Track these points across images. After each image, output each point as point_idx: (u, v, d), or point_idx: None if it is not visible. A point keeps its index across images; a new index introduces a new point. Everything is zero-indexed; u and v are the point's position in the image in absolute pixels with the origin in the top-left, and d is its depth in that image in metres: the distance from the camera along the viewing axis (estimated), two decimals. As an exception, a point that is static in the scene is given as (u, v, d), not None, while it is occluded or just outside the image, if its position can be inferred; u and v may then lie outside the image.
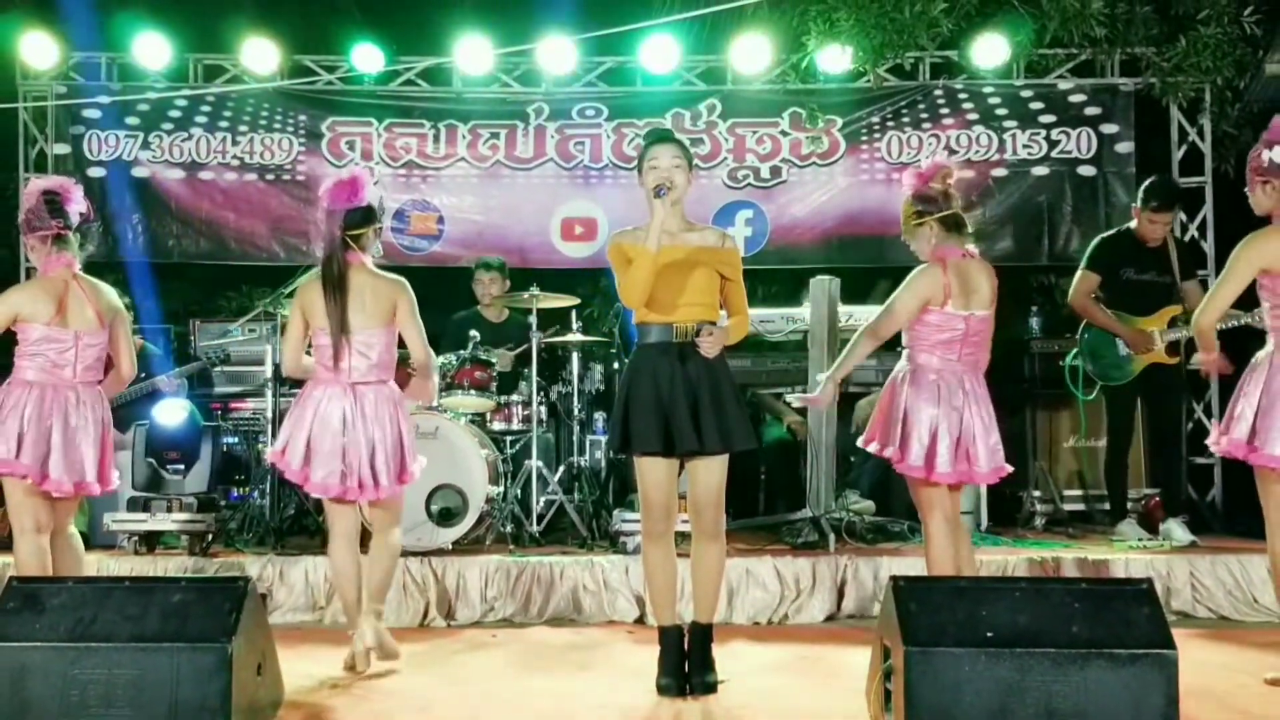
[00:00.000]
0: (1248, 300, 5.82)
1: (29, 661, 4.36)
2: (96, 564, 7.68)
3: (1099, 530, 8.84)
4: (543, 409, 9.01)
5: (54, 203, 6.19)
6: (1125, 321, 8.27)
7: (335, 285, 5.99)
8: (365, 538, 6.27)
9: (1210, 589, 7.54)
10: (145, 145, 10.97)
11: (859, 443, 6.28)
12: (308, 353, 6.17)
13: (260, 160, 11.06)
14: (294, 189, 11.01)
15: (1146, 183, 8.51)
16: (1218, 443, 5.74)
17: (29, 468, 5.95)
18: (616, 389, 5.86)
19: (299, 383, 8.19)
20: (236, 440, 10.03)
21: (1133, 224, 8.42)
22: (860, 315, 8.70)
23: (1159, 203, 8.26)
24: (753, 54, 10.66)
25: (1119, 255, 8.37)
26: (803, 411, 8.75)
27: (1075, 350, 8.81)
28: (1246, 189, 5.75)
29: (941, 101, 11.03)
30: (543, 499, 8.76)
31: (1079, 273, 8.54)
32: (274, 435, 8.80)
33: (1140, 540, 8.38)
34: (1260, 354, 5.64)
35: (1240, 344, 6.46)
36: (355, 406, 6.01)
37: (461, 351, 8.69)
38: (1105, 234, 8.83)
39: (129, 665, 4.34)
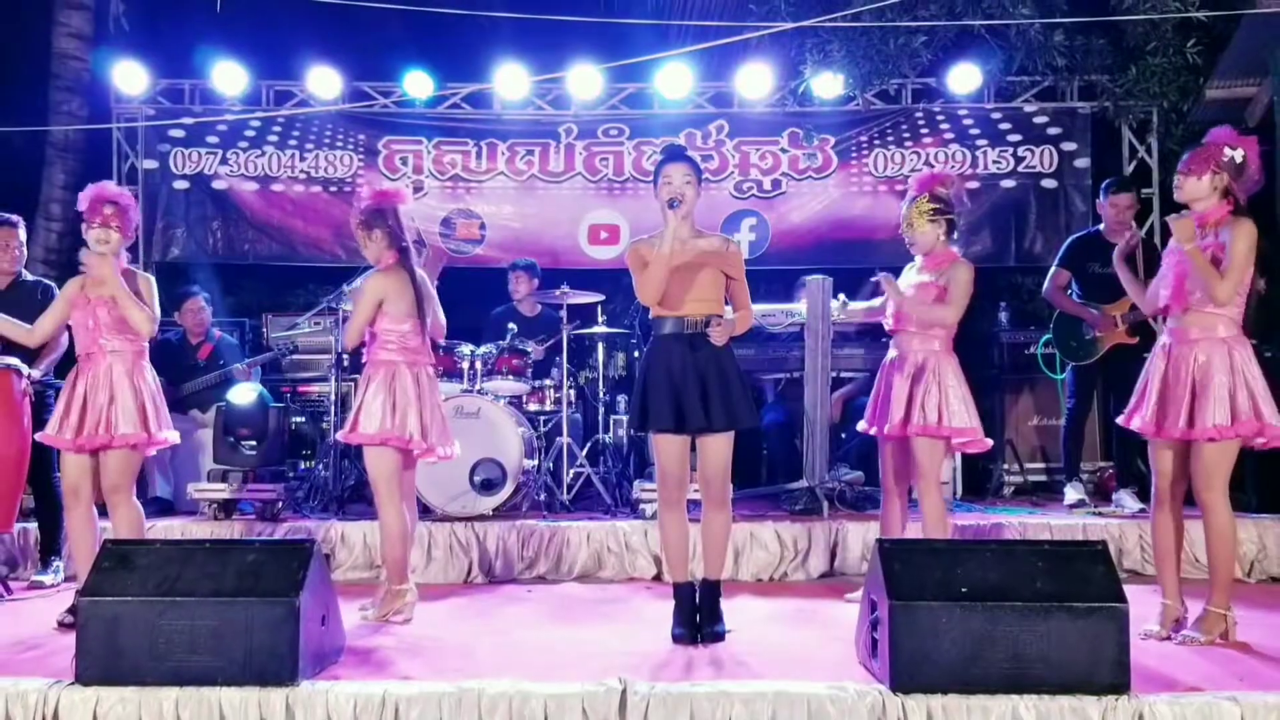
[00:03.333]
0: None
1: (122, 613, 4.36)
2: (181, 529, 7.74)
3: (1059, 498, 8.81)
4: (572, 392, 9.01)
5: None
6: (1093, 308, 8.26)
7: (416, 276, 6.16)
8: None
9: (1157, 550, 7.53)
10: (224, 161, 10.99)
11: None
12: None
13: (324, 174, 11.08)
14: (354, 199, 11.01)
15: (1105, 181, 8.57)
16: None
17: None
18: (636, 374, 5.86)
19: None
20: (304, 419, 10.06)
21: (1101, 226, 8.42)
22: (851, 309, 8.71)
23: (1116, 186, 8.40)
24: (756, 81, 10.67)
25: (1086, 253, 8.37)
26: (798, 396, 8.75)
27: (1046, 337, 8.86)
28: (1185, 173, 5.46)
29: (922, 122, 11.01)
30: (572, 471, 8.77)
31: (1052, 269, 8.55)
32: (339, 414, 8.83)
33: (1082, 500, 8.48)
34: None
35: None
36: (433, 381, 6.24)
37: (500, 342, 8.71)
38: (1075, 235, 8.84)
39: (209, 617, 4.35)
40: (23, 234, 7.37)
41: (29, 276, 7.37)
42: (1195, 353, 5.37)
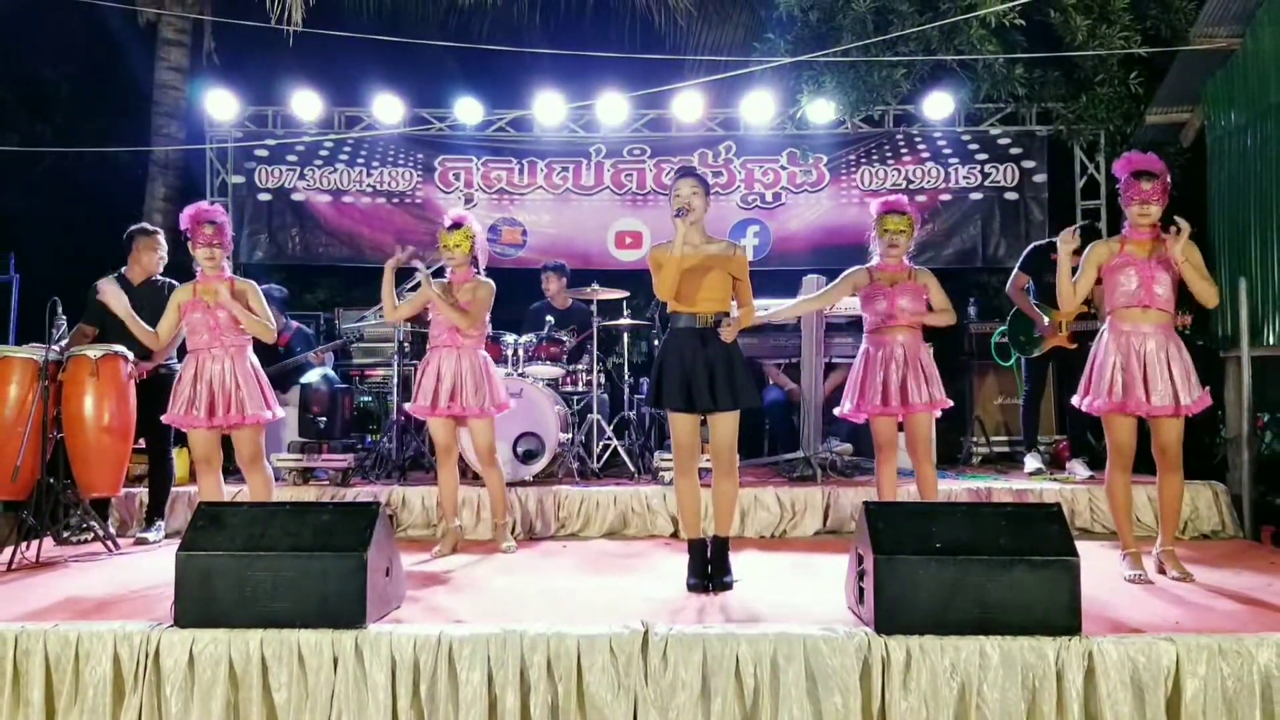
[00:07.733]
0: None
1: (214, 566, 4.37)
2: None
3: (1020, 466, 8.79)
4: (601, 375, 9.00)
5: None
6: (1044, 312, 8.23)
7: None
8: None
9: (1104, 511, 7.44)
10: (301, 176, 11.03)
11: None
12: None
13: (388, 188, 11.10)
14: (413, 209, 11.07)
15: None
16: None
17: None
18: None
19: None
20: (370, 398, 10.07)
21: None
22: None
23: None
24: (759, 107, 10.66)
25: (1043, 263, 8.27)
26: (796, 378, 8.73)
27: (1002, 328, 8.84)
28: (1154, 201, 5.56)
29: (901, 143, 10.99)
30: (601, 443, 8.76)
31: (1014, 272, 8.49)
32: (401, 395, 8.83)
33: (1039, 469, 8.45)
34: None
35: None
36: None
37: (540, 333, 8.74)
38: (1036, 244, 8.73)
39: (289, 569, 4.35)
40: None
41: (158, 278, 7.42)
42: (1168, 344, 5.56)
